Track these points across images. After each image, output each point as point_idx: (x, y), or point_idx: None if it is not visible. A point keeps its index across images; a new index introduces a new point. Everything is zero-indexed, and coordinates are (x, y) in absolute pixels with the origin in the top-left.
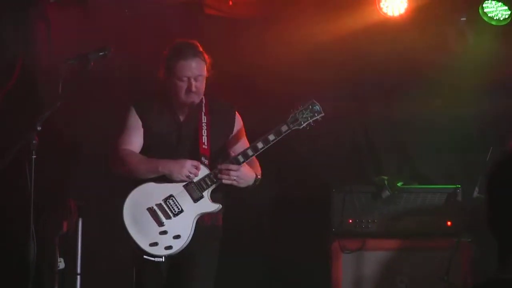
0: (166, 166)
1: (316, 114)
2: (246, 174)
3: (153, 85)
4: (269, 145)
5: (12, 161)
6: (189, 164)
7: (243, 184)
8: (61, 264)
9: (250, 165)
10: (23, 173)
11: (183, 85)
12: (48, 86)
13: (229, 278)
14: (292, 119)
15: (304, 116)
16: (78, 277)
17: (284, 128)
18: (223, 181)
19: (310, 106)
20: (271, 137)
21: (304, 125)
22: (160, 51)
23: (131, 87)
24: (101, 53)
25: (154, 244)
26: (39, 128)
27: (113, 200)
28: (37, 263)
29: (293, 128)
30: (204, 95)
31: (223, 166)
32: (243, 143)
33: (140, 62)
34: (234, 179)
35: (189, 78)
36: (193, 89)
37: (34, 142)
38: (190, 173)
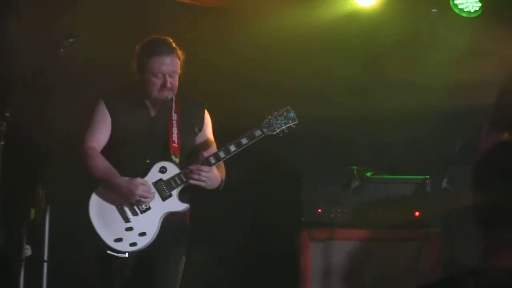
0: (118, 188)
1: (290, 121)
2: (215, 176)
3: (124, 78)
4: (241, 148)
5: None
6: (139, 190)
7: (210, 186)
8: (28, 251)
9: (217, 167)
10: None
11: (157, 82)
12: (18, 73)
13: (198, 267)
14: (266, 124)
15: (278, 122)
16: (45, 264)
17: (257, 132)
18: (191, 181)
19: (285, 113)
20: (244, 141)
21: (278, 131)
22: (130, 40)
23: (101, 77)
24: (71, 40)
25: (119, 240)
26: (7, 114)
27: (82, 188)
28: (4, 250)
29: (267, 133)
30: None
31: (194, 167)
32: (209, 142)
33: (110, 52)
34: (204, 180)
35: (164, 75)
36: (168, 85)
37: (2, 128)
38: (141, 196)
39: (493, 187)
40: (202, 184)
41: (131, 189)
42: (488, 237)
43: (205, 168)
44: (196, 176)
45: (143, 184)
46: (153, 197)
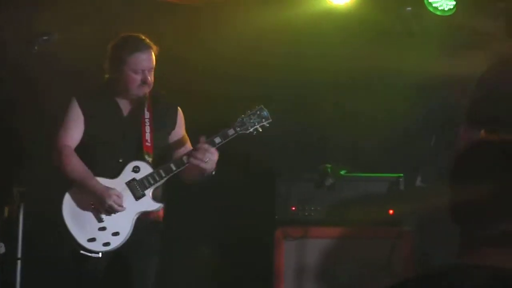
0: (91, 191)
1: (263, 120)
2: (215, 162)
3: (97, 77)
4: (214, 147)
5: None
6: (111, 200)
7: (208, 169)
8: (2, 249)
9: None
10: None
11: (138, 78)
12: None
13: (172, 266)
14: (240, 123)
15: (251, 121)
16: (19, 262)
17: (230, 132)
18: (193, 160)
19: (258, 112)
20: (217, 140)
21: (251, 130)
22: (103, 38)
23: (75, 75)
24: (45, 37)
25: (92, 239)
26: None
27: (56, 186)
28: None
29: (240, 132)
30: None
31: (202, 145)
32: (183, 141)
33: (83, 50)
34: (207, 161)
35: (143, 71)
36: (149, 81)
37: None
38: (110, 207)
39: (470, 185)
40: (202, 164)
41: (103, 197)
42: (463, 235)
43: (212, 149)
44: (199, 155)
45: (117, 196)
46: (122, 210)
